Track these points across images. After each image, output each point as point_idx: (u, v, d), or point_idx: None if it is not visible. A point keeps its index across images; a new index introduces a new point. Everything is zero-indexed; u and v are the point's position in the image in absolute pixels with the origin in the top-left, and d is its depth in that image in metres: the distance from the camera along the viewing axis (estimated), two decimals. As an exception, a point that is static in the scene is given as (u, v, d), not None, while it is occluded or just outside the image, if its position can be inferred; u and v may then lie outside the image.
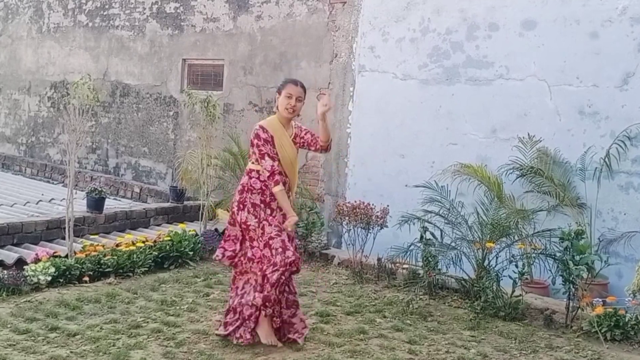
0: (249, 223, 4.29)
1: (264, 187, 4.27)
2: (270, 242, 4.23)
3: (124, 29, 10.34)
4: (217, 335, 4.45)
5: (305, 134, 4.47)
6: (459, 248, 5.67)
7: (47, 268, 5.45)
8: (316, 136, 4.45)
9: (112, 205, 7.96)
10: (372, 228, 6.43)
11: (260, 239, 4.27)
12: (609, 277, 5.84)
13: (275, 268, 4.16)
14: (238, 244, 4.39)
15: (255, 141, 4.29)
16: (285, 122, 4.39)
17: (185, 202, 8.20)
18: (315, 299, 5.59)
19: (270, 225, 4.26)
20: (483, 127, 6.81)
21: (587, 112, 6.24)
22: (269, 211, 4.28)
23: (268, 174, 4.22)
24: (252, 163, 4.37)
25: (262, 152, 4.26)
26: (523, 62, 6.56)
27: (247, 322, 4.32)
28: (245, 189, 4.34)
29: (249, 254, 4.33)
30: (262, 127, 4.31)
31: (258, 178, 4.30)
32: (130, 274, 5.95)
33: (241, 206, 4.33)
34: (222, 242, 4.49)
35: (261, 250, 4.27)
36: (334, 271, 6.67)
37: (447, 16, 7.05)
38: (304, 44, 8.22)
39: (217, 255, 4.47)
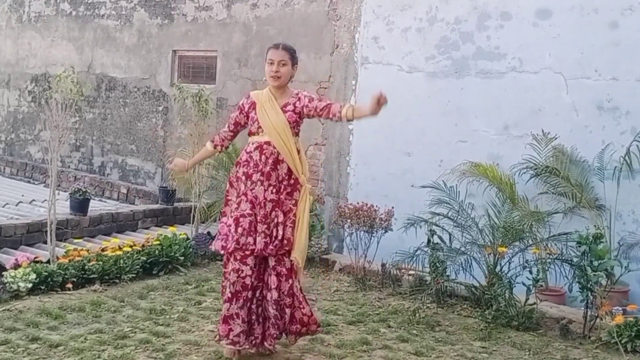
0: (229, 197, 4.34)
1: (248, 159, 4.26)
2: (241, 219, 4.19)
3: (110, 18, 10.34)
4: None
5: (308, 102, 4.23)
6: (468, 253, 5.67)
7: (27, 274, 5.44)
8: (327, 104, 4.19)
9: (97, 207, 7.96)
10: (376, 231, 6.43)
11: (232, 214, 4.26)
12: (630, 284, 5.84)
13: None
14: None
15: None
16: (277, 91, 4.30)
17: (176, 204, 8.21)
18: (315, 307, 5.59)
19: (246, 201, 4.21)
20: (494, 124, 6.81)
21: (606, 107, 6.24)
22: (249, 184, 4.23)
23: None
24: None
25: (228, 120, 4.53)
26: (537, 53, 6.57)
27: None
28: (235, 162, 4.43)
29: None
30: (246, 94, 4.48)
31: (245, 150, 4.33)
32: (117, 281, 5.95)
33: (228, 182, 4.43)
34: None
35: (228, 227, 4.24)
36: (335, 278, 6.67)
37: (456, 4, 7.05)
38: (302, 34, 8.22)
39: None
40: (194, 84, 8.61)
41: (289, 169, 4.25)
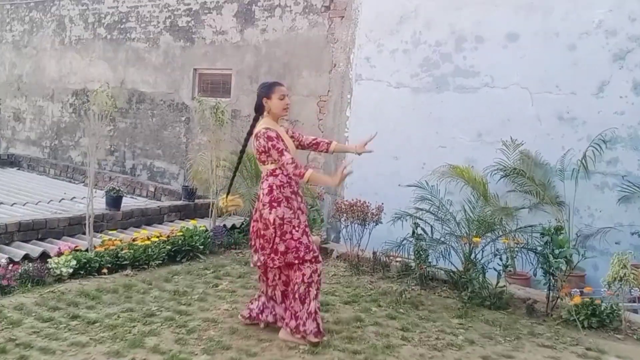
0: (285, 217, 4.13)
1: (289, 180, 4.17)
2: (307, 229, 4.21)
3: (139, 41, 10.32)
4: (243, 319, 4.48)
5: (301, 137, 4.52)
6: (447, 242, 5.65)
7: (69, 261, 5.43)
8: (319, 141, 4.56)
9: (129, 203, 7.94)
10: (368, 224, 6.41)
11: (298, 227, 4.15)
12: (586, 270, 5.83)
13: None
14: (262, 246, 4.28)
15: (270, 143, 4.09)
16: (277, 122, 4.30)
17: (196, 201, 8.17)
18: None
19: (302, 213, 4.22)
20: (470, 132, 6.79)
21: (565, 117, 6.22)
22: (299, 199, 4.23)
23: (293, 166, 4.08)
24: (271, 164, 4.17)
25: (279, 149, 4.09)
26: (507, 71, 6.55)
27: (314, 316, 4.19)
28: (274, 187, 4.16)
29: (282, 249, 4.13)
30: (268, 129, 4.16)
31: (283, 173, 4.17)
32: (146, 266, 5.93)
33: (274, 204, 4.14)
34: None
35: (295, 240, 4.11)
36: (333, 264, 6.65)
37: (436, 29, 7.03)
38: (305, 55, 8.20)
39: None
40: (211, 97, 8.55)
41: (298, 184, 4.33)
